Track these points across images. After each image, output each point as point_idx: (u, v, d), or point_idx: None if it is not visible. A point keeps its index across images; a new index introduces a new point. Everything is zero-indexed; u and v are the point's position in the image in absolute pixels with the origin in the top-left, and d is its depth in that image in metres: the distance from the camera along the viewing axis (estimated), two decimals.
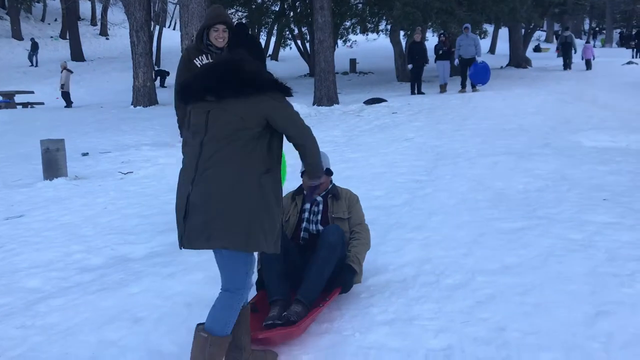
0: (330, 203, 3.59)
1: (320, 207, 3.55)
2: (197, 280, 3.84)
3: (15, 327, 3.32)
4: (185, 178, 2.55)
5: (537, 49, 37.08)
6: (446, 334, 2.94)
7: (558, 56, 25.08)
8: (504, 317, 3.05)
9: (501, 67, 23.83)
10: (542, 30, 43.04)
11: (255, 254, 2.75)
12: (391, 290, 3.50)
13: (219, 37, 4.01)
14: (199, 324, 2.62)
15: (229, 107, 2.51)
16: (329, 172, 3.62)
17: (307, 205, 3.52)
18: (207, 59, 4.09)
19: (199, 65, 4.07)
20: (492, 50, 34.05)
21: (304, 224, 3.47)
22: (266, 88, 2.54)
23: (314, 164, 2.77)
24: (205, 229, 2.45)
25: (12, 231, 5.48)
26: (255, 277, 3.15)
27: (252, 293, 3.25)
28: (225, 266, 2.57)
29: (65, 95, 20.39)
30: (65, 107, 19.90)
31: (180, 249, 2.62)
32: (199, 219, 2.46)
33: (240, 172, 2.46)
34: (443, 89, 15.90)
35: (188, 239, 2.52)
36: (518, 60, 25.00)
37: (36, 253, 4.69)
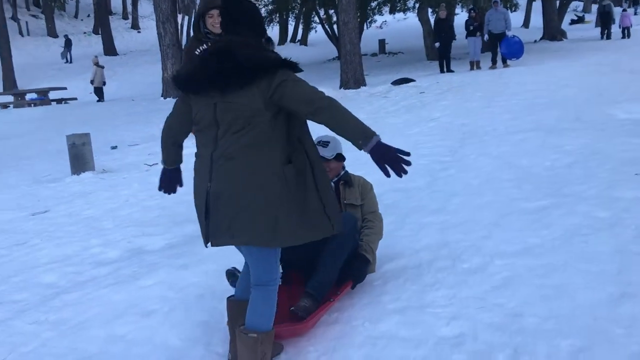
0: (342, 189, 3.48)
1: (331, 192, 3.45)
2: (210, 271, 3.80)
3: (29, 322, 3.35)
4: (202, 174, 2.44)
5: (580, 19, 35.50)
6: (459, 321, 2.81)
7: (596, 26, 24.26)
8: (521, 302, 2.90)
9: (535, 41, 23.16)
10: (578, 0, 41.59)
11: None
12: (405, 277, 3.38)
13: (215, 22, 3.92)
14: (239, 326, 2.52)
15: (234, 98, 2.35)
16: (340, 158, 3.50)
17: None
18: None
19: None
20: (525, 24, 33.12)
21: None
22: (268, 68, 2.35)
23: (352, 127, 2.31)
24: (230, 226, 2.37)
25: (37, 226, 5.57)
26: None
27: None
28: (255, 261, 2.49)
29: (98, 90, 20.76)
30: (98, 101, 20.26)
31: (206, 246, 2.52)
32: (222, 215, 2.38)
33: (260, 165, 2.34)
34: (473, 65, 15.52)
35: (214, 236, 2.44)
36: (552, 32, 24.24)
37: (56, 248, 4.74)
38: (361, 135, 2.28)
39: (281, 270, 3.27)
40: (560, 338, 2.55)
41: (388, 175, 2.31)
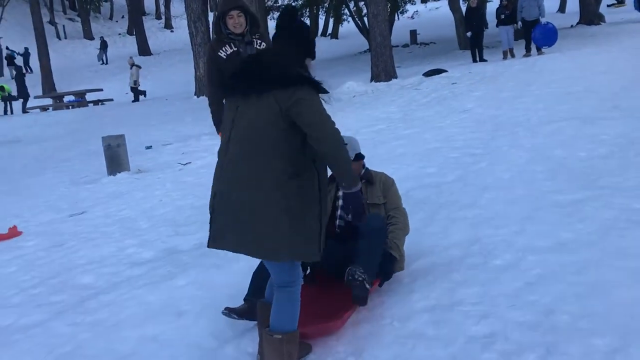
0: (364, 189, 3.39)
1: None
2: (241, 270, 3.81)
3: (67, 324, 3.44)
4: (216, 175, 2.51)
5: (620, 1, 34.14)
6: (489, 320, 2.77)
7: (635, 7, 23.42)
8: (554, 299, 2.84)
9: (571, 26, 22.54)
10: None
11: None
12: (435, 275, 3.35)
13: (235, 23, 3.93)
14: (265, 328, 2.57)
15: (253, 105, 2.39)
16: (360, 157, 3.44)
17: (341, 193, 3.39)
18: (231, 47, 4.03)
19: (224, 57, 4.02)
20: (561, 9, 32.30)
21: (339, 212, 3.35)
22: (291, 80, 2.36)
23: (344, 170, 2.45)
24: (228, 233, 2.41)
25: (74, 228, 5.70)
26: None
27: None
28: (272, 264, 2.53)
29: (135, 90, 21.11)
30: (133, 101, 20.62)
31: (208, 247, 2.57)
32: (223, 220, 2.42)
33: (263, 177, 2.34)
34: (506, 54, 15.21)
35: (213, 239, 2.49)
36: (589, 16, 23.51)
37: (93, 249, 4.85)
38: (347, 181, 2.50)
39: (309, 271, 3.29)
40: (595, 337, 2.49)
41: (346, 212, 2.75)
